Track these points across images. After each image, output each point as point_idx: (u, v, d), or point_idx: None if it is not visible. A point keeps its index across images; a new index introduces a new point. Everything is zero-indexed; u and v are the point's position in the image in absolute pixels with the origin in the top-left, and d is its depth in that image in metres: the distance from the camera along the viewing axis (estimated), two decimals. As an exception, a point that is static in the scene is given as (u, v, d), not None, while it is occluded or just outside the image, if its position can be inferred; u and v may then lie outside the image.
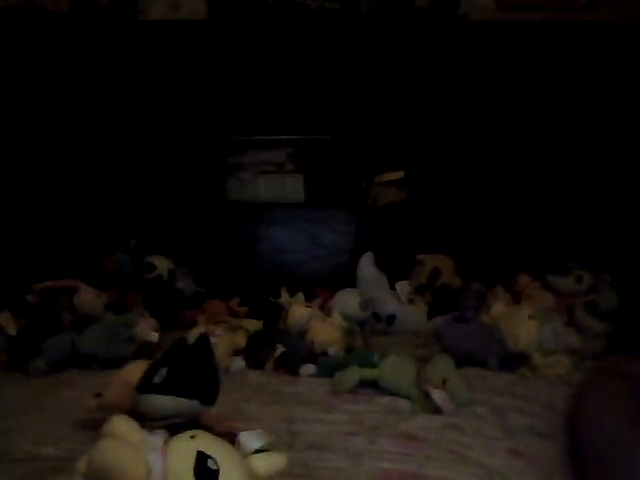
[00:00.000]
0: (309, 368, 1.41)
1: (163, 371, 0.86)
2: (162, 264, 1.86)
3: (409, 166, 2.00)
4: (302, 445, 1.00)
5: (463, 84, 1.96)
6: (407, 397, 1.21)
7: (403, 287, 1.81)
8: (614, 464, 0.90)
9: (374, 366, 1.27)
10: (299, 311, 1.59)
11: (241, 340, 1.55)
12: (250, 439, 0.69)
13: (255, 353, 1.48)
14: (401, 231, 2.03)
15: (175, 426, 0.74)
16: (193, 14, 1.94)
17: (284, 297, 1.73)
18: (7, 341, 1.48)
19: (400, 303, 1.80)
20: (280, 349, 1.45)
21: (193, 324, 1.67)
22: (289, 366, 1.43)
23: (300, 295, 1.73)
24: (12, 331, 1.48)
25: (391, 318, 1.79)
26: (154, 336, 1.47)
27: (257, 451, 0.68)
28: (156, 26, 1.95)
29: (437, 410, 1.14)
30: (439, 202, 2.02)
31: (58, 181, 2.00)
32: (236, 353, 1.50)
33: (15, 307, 1.57)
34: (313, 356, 1.45)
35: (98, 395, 1.03)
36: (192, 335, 1.07)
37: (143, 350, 1.47)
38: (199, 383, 0.86)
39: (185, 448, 0.63)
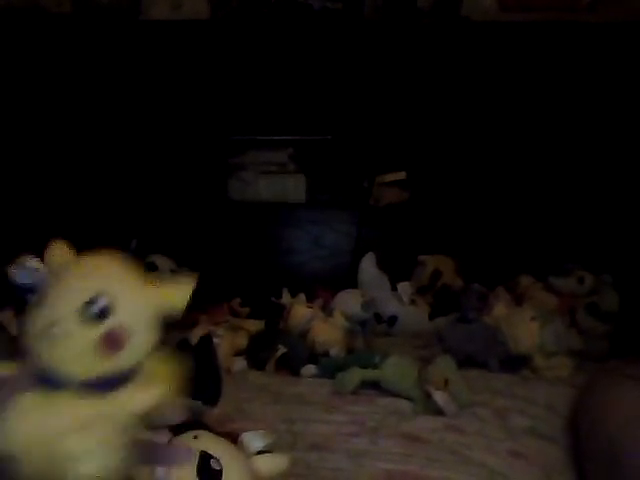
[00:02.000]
0: (310, 369, 1.41)
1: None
2: (164, 264, 1.86)
3: (411, 167, 2.00)
4: (303, 445, 1.00)
5: (465, 85, 1.96)
6: (408, 398, 1.21)
7: (405, 288, 1.81)
8: (616, 465, 0.90)
9: (375, 367, 1.27)
10: (300, 312, 1.59)
11: (242, 341, 1.55)
12: (253, 440, 0.69)
13: (256, 354, 1.49)
14: (403, 232, 2.03)
15: (178, 426, 0.75)
16: (195, 14, 1.95)
17: (285, 297, 1.73)
18: (9, 340, 1.48)
19: (402, 304, 1.80)
20: (281, 350, 1.45)
21: (194, 324, 1.67)
22: (290, 367, 1.43)
23: (301, 296, 1.73)
24: (14, 330, 1.48)
25: (392, 319, 1.79)
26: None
27: (260, 452, 0.68)
28: (158, 26, 1.95)
29: (439, 411, 1.14)
30: (440, 203, 2.02)
31: (60, 180, 2.01)
32: (238, 354, 1.50)
33: (17, 306, 1.57)
34: (314, 357, 1.45)
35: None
36: (194, 336, 1.08)
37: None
38: (202, 384, 0.86)
39: (188, 448, 0.63)
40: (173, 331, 1.59)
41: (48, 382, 0.50)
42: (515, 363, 1.44)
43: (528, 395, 1.28)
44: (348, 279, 1.87)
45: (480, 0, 1.91)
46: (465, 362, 1.38)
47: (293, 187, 2.05)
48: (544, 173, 1.98)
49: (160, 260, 1.87)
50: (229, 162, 2.04)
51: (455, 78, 1.95)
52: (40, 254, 2.06)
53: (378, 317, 1.78)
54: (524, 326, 1.43)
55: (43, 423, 0.49)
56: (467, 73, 1.95)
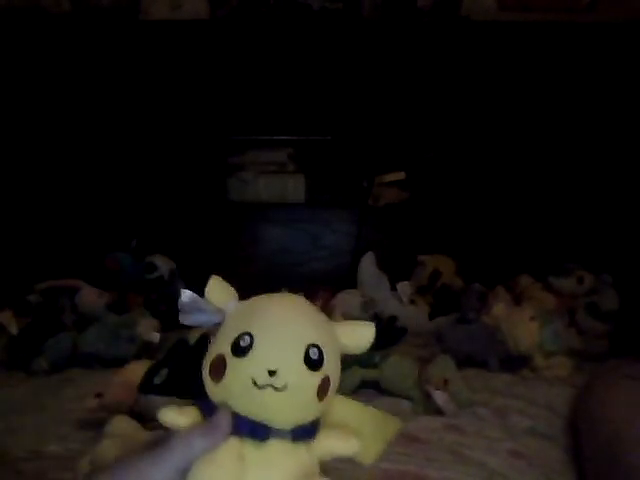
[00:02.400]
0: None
1: (164, 372, 0.86)
2: (163, 264, 1.86)
3: (410, 167, 2.00)
4: (303, 446, 1.00)
5: (465, 85, 1.96)
6: (408, 398, 1.21)
7: (404, 288, 1.80)
8: (616, 465, 0.89)
9: (375, 366, 1.27)
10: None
11: (242, 340, 1.54)
12: None
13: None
14: (402, 232, 2.03)
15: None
16: (195, 14, 1.94)
17: (285, 298, 1.72)
18: (9, 340, 1.48)
19: (401, 304, 1.80)
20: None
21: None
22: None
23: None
24: (14, 330, 1.48)
25: (392, 319, 1.78)
26: (155, 336, 1.48)
27: None
28: (158, 26, 1.95)
29: (438, 411, 1.14)
30: (440, 203, 2.02)
31: (59, 180, 2.01)
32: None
33: (17, 306, 1.57)
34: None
35: (99, 395, 1.03)
36: (193, 335, 1.07)
37: (144, 350, 1.47)
38: (200, 384, 0.86)
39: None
40: (173, 331, 1.59)
41: (252, 431, 0.48)
42: (515, 363, 1.43)
43: (528, 395, 1.27)
44: (348, 279, 1.87)
45: None
46: (465, 362, 1.38)
47: (293, 187, 2.04)
48: (544, 173, 1.98)
49: (160, 260, 1.87)
50: (228, 162, 2.04)
51: (455, 78, 1.95)
52: (40, 252, 2.04)
53: (377, 317, 1.77)
54: (524, 326, 1.43)
55: (266, 475, 0.47)
56: (467, 73, 1.95)
